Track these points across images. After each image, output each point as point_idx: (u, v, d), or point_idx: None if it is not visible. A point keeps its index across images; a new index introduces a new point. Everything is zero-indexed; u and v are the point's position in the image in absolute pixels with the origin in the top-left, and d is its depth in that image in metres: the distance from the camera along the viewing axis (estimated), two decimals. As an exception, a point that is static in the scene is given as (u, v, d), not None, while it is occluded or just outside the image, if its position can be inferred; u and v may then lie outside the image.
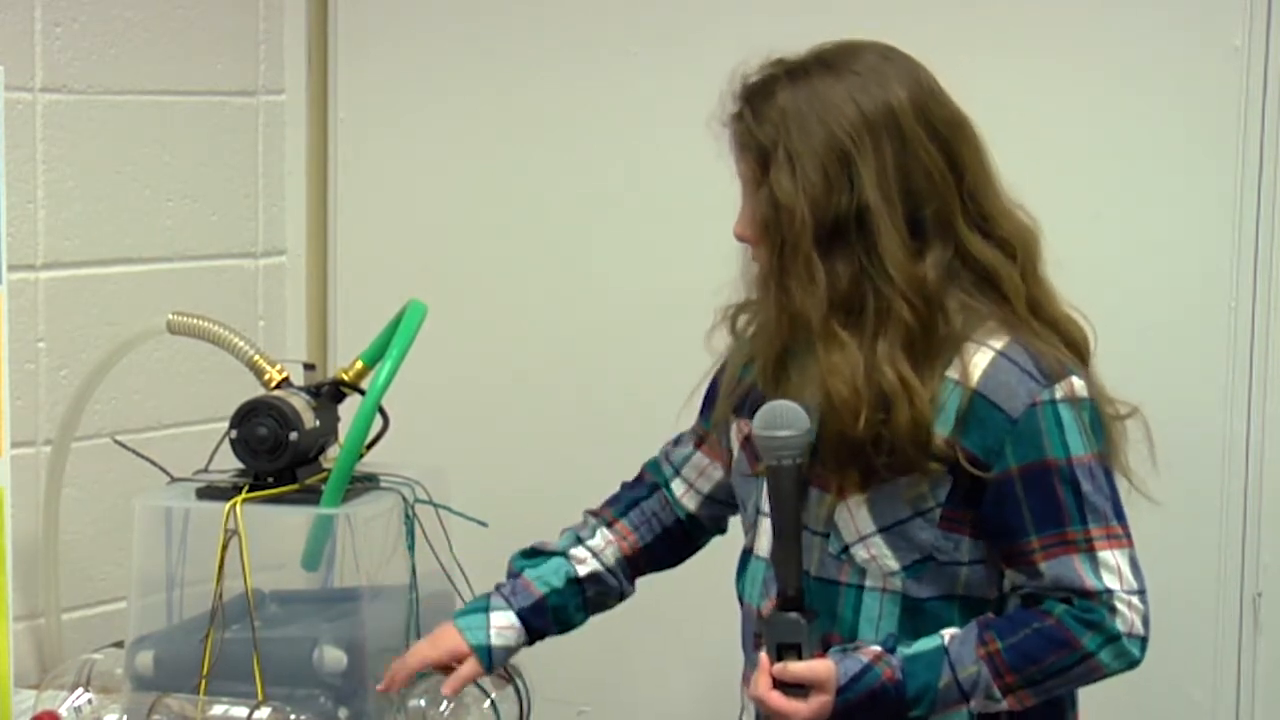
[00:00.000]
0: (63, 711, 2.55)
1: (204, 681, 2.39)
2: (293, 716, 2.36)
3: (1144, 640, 2.09)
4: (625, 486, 2.48)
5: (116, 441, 2.72)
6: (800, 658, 2.07)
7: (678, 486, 2.42)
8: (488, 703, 2.43)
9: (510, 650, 2.37)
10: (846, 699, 2.06)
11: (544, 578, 2.38)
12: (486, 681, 2.45)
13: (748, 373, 2.24)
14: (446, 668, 2.36)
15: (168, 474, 2.59)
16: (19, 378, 2.89)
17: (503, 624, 2.35)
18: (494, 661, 2.36)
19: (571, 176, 3.22)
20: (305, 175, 3.37)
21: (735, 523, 2.39)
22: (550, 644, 2.95)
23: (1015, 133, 2.77)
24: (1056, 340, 2.13)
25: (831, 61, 2.12)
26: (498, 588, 2.39)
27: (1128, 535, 2.10)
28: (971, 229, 2.11)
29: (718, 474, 2.39)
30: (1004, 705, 2.08)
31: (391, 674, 2.38)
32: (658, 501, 2.43)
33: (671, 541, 2.45)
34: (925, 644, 2.09)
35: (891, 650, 2.09)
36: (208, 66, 3.22)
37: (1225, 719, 2.82)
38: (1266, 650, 2.80)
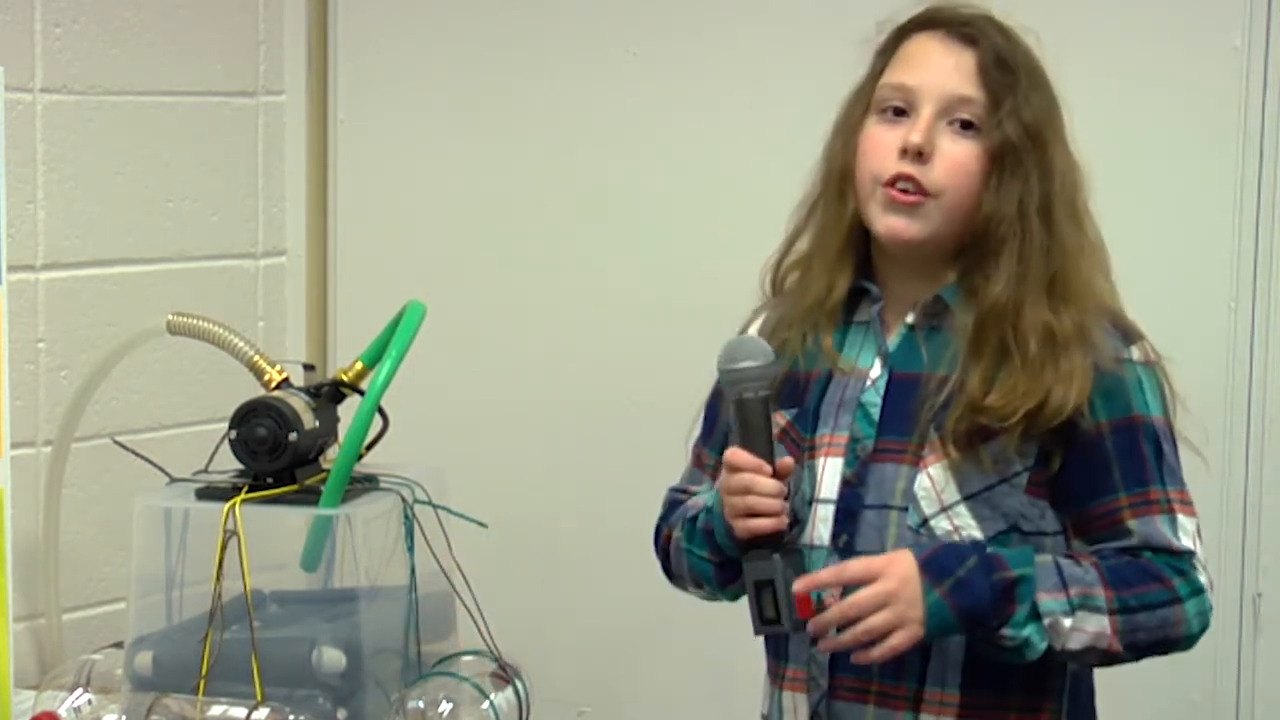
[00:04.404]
0: (62, 712, 2.55)
1: (203, 682, 2.40)
2: (291, 717, 2.36)
3: (1211, 611, 2.05)
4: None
5: (116, 442, 2.72)
6: (775, 595, 2.00)
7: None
8: (487, 703, 2.43)
9: None
10: (934, 566, 1.96)
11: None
12: (486, 682, 2.45)
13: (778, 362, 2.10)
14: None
15: (167, 474, 2.58)
16: (19, 378, 2.89)
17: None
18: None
19: (572, 176, 3.22)
20: (305, 175, 3.37)
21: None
22: (550, 644, 2.96)
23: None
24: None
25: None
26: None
27: (1193, 507, 2.08)
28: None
29: None
30: (1105, 626, 1.98)
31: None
32: None
33: None
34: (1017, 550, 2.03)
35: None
36: (208, 67, 3.22)
37: (1225, 719, 2.82)
38: (1266, 650, 2.79)
